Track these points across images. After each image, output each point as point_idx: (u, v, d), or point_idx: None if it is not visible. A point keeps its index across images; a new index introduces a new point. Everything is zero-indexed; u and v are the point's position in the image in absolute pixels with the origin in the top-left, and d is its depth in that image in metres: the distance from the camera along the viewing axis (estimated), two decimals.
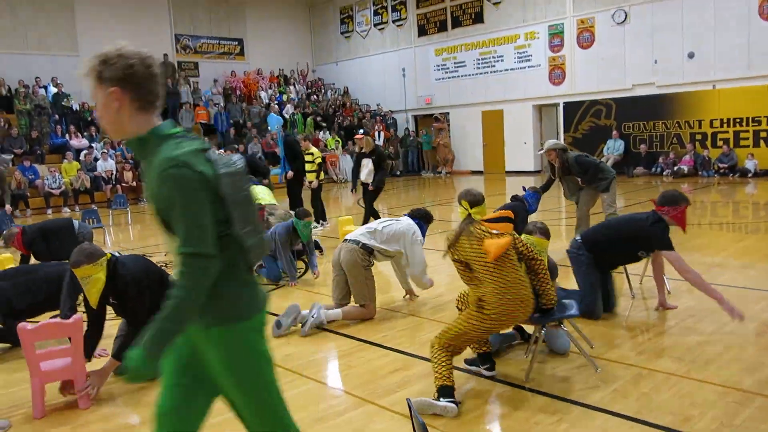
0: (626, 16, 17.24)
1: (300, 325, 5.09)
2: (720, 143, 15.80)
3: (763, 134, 15.28)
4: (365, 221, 9.73)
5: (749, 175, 15.04)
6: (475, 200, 3.75)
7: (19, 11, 19.28)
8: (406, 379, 4.07)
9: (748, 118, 15.26)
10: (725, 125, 15.71)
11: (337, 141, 21.24)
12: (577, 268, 5.05)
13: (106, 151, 17.48)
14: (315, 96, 24.26)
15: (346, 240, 5.42)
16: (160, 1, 22.14)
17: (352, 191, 10.89)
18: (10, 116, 17.79)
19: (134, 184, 17.20)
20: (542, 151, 7.51)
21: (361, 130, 10.89)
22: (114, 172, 17.07)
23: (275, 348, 4.58)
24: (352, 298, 5.36)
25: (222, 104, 21.32)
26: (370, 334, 4.99)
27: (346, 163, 21.07)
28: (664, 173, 16.34)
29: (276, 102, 22.82)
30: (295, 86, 24.43)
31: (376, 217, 9.77)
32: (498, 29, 20.30)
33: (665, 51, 16.62)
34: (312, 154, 10.63)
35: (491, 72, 20.69)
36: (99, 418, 3.77)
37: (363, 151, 9.95)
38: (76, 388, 3.87)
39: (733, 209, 11.05)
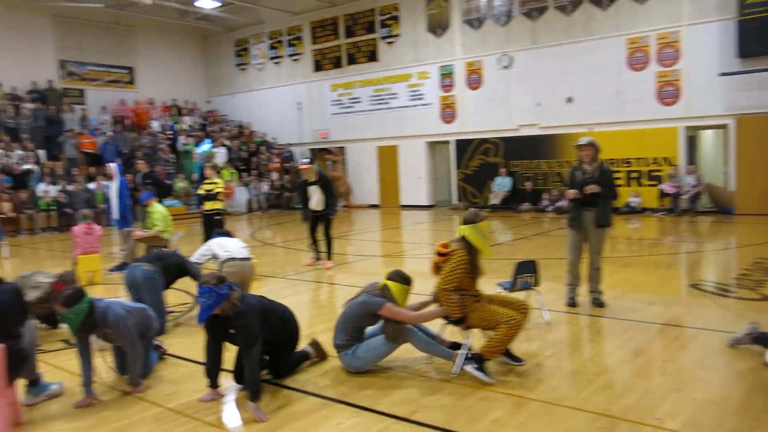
0: (511, 60, 18.26)
1: None
2: None
3: (634, 174, 16.55)
4: (329, 249, 9.91)
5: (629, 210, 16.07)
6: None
7: None
8: None
9: (620, 159, 16.52)
10: None
11: (233, 173, 20.86)
12: None
13: None
14: (210, 127, 23.78)
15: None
16: (42, 25, 21.04)
17: (305, 221, 10.40)
18: None
19: (13, 215, 15.95)
20: (579, 143, 6.43)
21: (306, 159, 10.81)
22: None
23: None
24: None
25: (110, 133, 20.41)
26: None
27: (241, 195, 20.72)
28: (548, 209, 17.27)
29: (170, 131, 22.17)
30: (190, 116, 23.86)
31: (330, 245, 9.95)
32: (392, 67, 20.89)
33: (547, 94, 17.71)
34: (216, 183, 10.61)
35: (386, 108, 21.19)
36: None
37: (309, 179, 9.92)
38: None
39: (610, 244, 11.78)
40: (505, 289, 5.96)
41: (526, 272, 5.98)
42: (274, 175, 22.30)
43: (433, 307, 4.90)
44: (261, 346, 4.21)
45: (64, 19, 21.53)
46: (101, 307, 4.31)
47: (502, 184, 18.57)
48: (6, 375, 3.83)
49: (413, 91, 20.52)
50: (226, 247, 6.67)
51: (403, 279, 4.91)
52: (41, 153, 18.66)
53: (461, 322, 4.69)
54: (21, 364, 4.05)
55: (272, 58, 24.16)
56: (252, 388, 4.06)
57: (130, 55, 23.49)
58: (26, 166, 17.50)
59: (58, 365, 5.18)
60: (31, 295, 5.47)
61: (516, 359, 4.84)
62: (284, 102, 23.81)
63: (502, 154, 18.79)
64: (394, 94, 20.95)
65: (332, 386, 4.52)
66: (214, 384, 4.33)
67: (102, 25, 22.54)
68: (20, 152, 17.82)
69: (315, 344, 5.10)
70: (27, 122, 19.03)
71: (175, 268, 6.30)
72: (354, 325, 4.82)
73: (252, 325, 4.13)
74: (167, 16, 23.05)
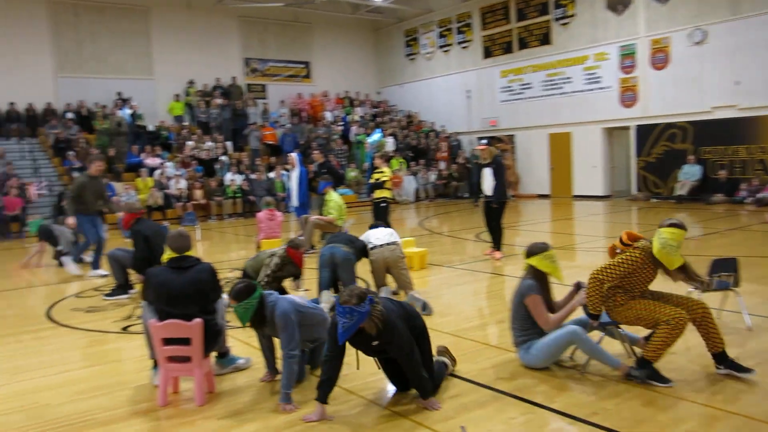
0: (704, 35, 16.51)
1: None
2: None
3: None
4: (497, 242, 9.35)
5: None
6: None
7: (100, 39, 20.47)
8: None
9: None
10: None
11: (401, 162, 21.18)
12: None
13: (179, 173, 17.90)
14: (380, 118, 24.36)
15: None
16: (230, 27, 22.93)
17: (476, 205, 10.03)
18: (89, 137, 18.65)
19: (204, 201, 17.55)
20: None
21: (484, 140, 9.88)
22: (185, 190, 17.52)
23: None
24: None
25: (288, 125, 21.69)
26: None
27: (410, 184, 20.98)
28: (746, 201, 15.41)
29: (342, 122, 23.06)
30: (361, 107, 24.64)
31: (498, 235, 9.31)
32: (566, 50, 19.86)
33: (748, 71, 15.76)
34: (383, 172, 10.78)
35: (559, 94, 20.22)
36: (211, 414, 4.00)
37: (483, 161, 9.31)
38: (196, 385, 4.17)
39: None
40: (697, 289, 5.30)
41: (725, 271, 5.28)
42: (442, 165, 22.28)
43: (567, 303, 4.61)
44: (416, 346, 3.96)
45: (248, 19, 23.22)
46: (271, 303, 4.19)
47: (690, 173, 16.91)
48: (202, 348, 4.14)
49: (589, 74, 19.36)
50: (370, 237, 6.97)
51: (540, 248, 4.55)
52: (228, 144, 20.32)
53: (594, 317, 4.32)
54: (216, 337, 4.35)
55: (441, 47, 24.11)
56: (420, 387, 3.92)
57: (307, 50, 24.76)
58: (217, 157, 19.14)
59: (245, 341, 5.44)
60: (273, 262, 6.24)
61: (742, 369, 4.14)
62: (453, 90, 23.67)
63: (690, 139, 17.10)
64: (568, 78, 19.93)
65: (506, 380, 4.30)
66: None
67: (281, 23, 23.98)
68: (210, 144, 19.55)
69: (445, 351, 4.62)
70: (216, 116, 20.84)
71: (360, 252, 6.85)
72: (519, 316, 4.53)
73: (402, 333, 3.87)
74: (341, 10, 24.00)
